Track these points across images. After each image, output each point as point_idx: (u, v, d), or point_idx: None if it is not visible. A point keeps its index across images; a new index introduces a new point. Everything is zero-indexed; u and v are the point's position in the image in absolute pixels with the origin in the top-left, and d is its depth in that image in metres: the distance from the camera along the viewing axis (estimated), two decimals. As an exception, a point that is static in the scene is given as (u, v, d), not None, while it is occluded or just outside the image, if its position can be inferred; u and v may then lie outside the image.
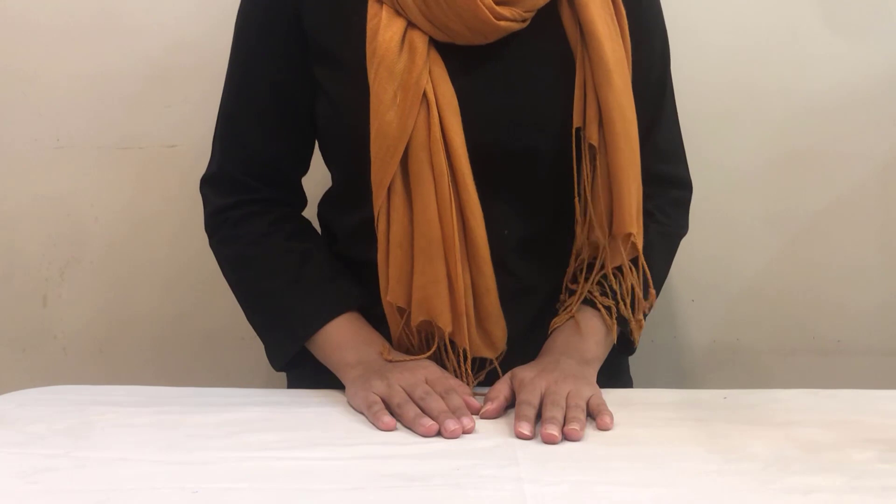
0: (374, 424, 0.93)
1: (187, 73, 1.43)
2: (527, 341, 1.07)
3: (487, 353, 1.04)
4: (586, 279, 1.07)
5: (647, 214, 1.09)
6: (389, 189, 1.00)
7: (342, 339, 1.05)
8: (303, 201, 1.19)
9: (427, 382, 0.97)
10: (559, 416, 0.91)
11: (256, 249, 1.10)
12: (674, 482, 0.77)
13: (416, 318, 1.01)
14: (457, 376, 1.03)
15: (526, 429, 0.89)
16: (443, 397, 0.95)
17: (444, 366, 1.03)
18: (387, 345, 1.05)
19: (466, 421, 0.91)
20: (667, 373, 1.47)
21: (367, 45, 1.00)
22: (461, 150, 0.99)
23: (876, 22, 1.41)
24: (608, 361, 1.08)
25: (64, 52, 1.43)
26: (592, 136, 1.01)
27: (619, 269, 1.05)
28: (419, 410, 0.92)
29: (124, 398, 1.02)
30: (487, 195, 1.01)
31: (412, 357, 1.03)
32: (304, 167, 1.16)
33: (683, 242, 1.21)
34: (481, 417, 0.95)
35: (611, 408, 0.96)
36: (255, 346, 1.48)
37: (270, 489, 0.75)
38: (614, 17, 1.03)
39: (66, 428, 0.90)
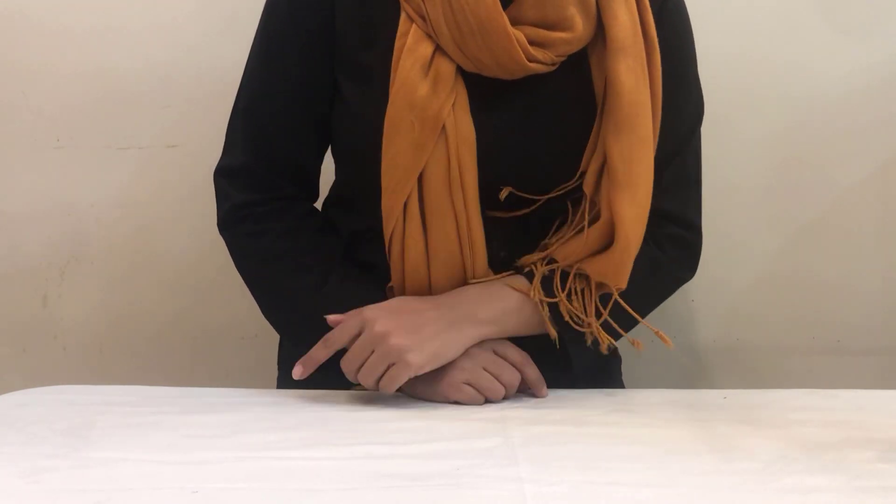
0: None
1: (187, 73, 1.43)
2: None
3: None
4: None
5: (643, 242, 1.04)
6: (405, 217, 0.99)
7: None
8: (316, 196, 1.19)
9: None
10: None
11: (287, 244, 1.08)
12: (674, 482, 0.77)
13: None
14: None
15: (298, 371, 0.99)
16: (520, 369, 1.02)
17: None
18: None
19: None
20: (667, 373, 1.47)
21: (392, 64, 0.98)
22: (472, 191, 0.99)
23: (876, 22, 1.41)
24: (597, 363, 1.08)
25: (64, 51, 1.43)
26: (588, 185, 1.00)
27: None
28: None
29: (124, 398, 1.02)
30: (491, 222, 1.02)
31: None
32: (320, 164, 1.16)
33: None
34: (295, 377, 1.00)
35: (611, 408, 0.96)
36: (255, 346, 1.49)
37: (270, 489, 0.75)
38: (646, 69, 1.00)
39: (66, 428, 0.90)
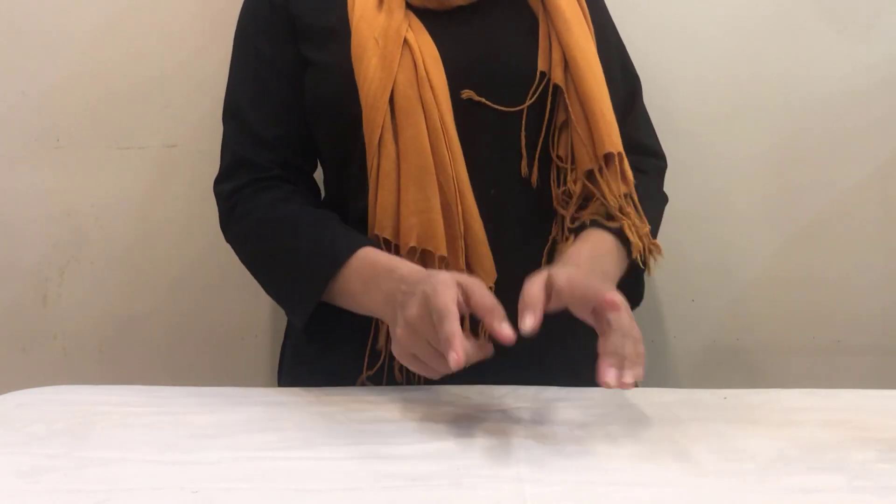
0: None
1: (187, 73, 1.43)
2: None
3: (483, 280, 1.01)
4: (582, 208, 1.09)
5: (639, 172, 1.13)
6: (381, 136, 1.02)
7: (359, 279, 1.00)
8: (316, 188, 1.19)
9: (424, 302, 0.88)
10: (638, 351, 0.87)
11: (276, 212, 1.07)
12: (674, 482, 0.77)
13: (406, 244, 1.00)
14: None
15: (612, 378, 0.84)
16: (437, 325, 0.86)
17: None
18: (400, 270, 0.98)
19: (454, 355, 0.82)
20: (667, 373, 1.47)
21: (348, 10, 1.06)
22: (443, 93, 1.04)
23: (876, 22, 1.41)
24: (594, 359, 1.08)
25: (64, 51, 1.43)
26: (558, 77, 1.07)
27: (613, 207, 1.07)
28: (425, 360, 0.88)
29: (124, 398, 1.02)
30: (470, 150, 1.04)
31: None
32: (313, 159, 1.17)
33: (683, 242, 1.21)
34: (523, 334, 0.87)
35: (611, 408, 0.96)
36: (255, 346, 1.49)
37: (270, 489, 0.75)
38: None
39: (66, 428, 0.90)
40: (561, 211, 1.10)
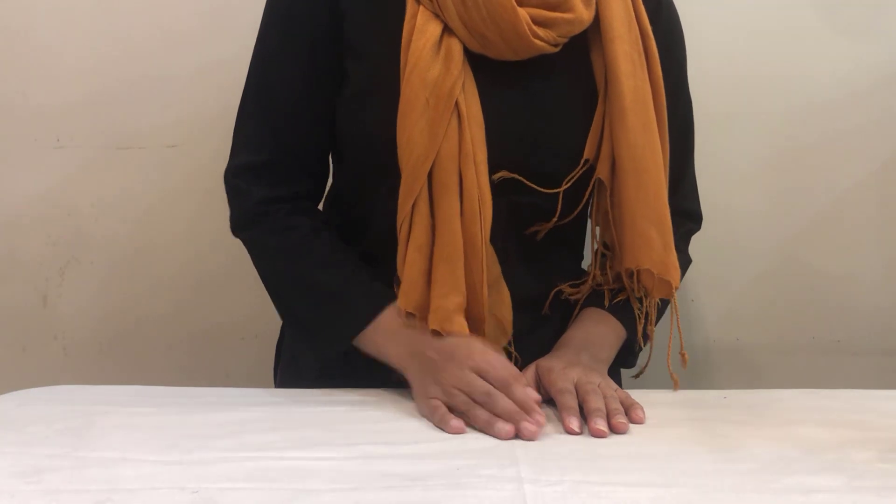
0: (441, 429, 0.92)
1: (187, 73, 1.43)
2: (527, 344, 1.07)
3: (499, 342, 1.04)
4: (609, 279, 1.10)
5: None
6: (417, 198, 0.99)
7: (388, 330, 1.02)
8: (322, 197, 1.18)
9: (480, 374, 0.95)
10: (602, 407, 0.92)
11: (316, 241, 1.07)
12: (674, 482, 0.77)
13: (431, 325, 0.99)
14: None
15: (575, 424, 0.90)
16: (505, 391, 0.93)
17: None
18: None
19: (539, 417, 0.91)
20: (667, 373, 1.47)
21: (402, 46, 0.99)
22: (483, 166, 0.99)
23: (876, 22, 1.41)
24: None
25: (64, 51, 1.43)
26: (603, 171, 1.03)
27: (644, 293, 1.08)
28: (489, 414, 0.91)
29: (124, 398, 1.02)
30: (493, 211, 1.01)
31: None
32: (328, 160, 1.15)
33: (683, 242, 1.21)
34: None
35: (611, 408, 0.96)
36: (255, 346, 1.49)
37: (270, 489, 0.75)
38: (642, 56, 1.04)
39: (66, 428, 0.90)
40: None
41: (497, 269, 1.04)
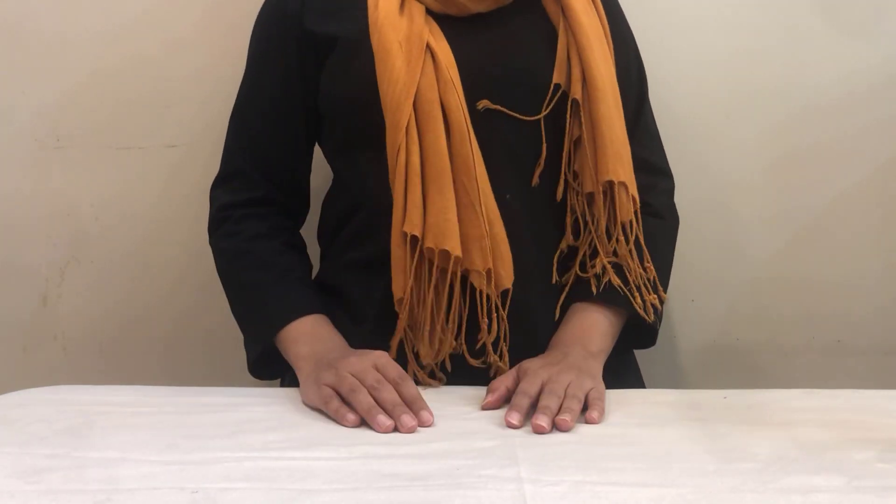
0: (338, 422, 0.93)
1: (187, 73, 1.43)
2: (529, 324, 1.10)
3: (495, 287, 1.05)
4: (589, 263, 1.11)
5: (647, 206, 1.14)
6: (407, 138, 1.03)
7: (300, 333, 1.09)
8: (305, 206, 1.23)
9: (377, 369, 0.98)
10: (553, 405, 0.93)
11: (252, 245, 1.15)
12: (674, 482, 0.77)
13: (427, 244, 1.02)
14: (475, 313, 1.04)
15: (514, 419, 0.92)
16: (396, 385, 0.96)
17: (464, 305, 1.05)
18: (345, 345, 1.08)
19: (425, 415, 0.93)
20: (667, 373, 1.47)
21: (370, 16, 1.07)
22: (462, 95, 1.04)
23: (876, 22, 1.41)
24: (614, 360, 1.09)
25: (64, 52, 1.43)
26: (576, 92, 1.08)
27: (620, 261, 1.10)
28: (373, 401, 0.93)
29: (124, 398, 1.02)
30: (486, 156, 1.05)
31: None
32: (309, 172, 1.21)
33: (683, 243, 1.21)
34: (482, 409, 0.97)
35: (611, 407, 0.96)
36: (255, 346, 1.48)
37: (270, 489, 0.75)
38: (592, 7, 1.12)
39: (66, 428, 0.90)
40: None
41: (494, 206, 1.05)
